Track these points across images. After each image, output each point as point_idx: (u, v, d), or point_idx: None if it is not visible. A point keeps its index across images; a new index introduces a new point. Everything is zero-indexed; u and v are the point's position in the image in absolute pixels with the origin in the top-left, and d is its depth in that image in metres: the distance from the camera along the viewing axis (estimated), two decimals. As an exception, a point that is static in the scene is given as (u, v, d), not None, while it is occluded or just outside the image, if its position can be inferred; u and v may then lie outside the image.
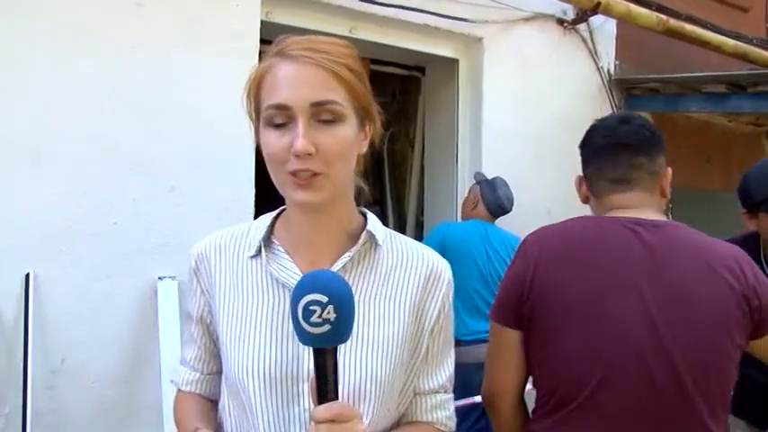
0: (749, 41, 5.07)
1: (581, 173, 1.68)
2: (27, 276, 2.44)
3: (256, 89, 1.03)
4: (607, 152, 1.58)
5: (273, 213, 1.14)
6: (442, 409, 1.13)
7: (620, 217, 1.51)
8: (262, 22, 3.01)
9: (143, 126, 2.69)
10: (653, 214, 1.52)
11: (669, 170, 1.57)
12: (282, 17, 3.20)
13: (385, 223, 1.18)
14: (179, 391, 1.22)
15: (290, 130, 0.97)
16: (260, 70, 1.03)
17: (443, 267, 1.12)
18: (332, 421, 0.85)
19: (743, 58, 4.85)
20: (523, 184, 3.71)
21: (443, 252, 2.13)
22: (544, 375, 1.51)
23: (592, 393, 1.42)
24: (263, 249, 1.09)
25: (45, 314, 2.49)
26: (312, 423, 0.86)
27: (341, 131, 0.99)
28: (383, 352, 1.02)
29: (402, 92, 4.77)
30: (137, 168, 2.67)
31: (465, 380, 2.18)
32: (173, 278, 2.72)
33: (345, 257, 1.05)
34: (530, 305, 1.49)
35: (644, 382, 1.37)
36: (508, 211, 3.47)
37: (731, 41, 4.76)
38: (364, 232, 1.07)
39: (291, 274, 1.05)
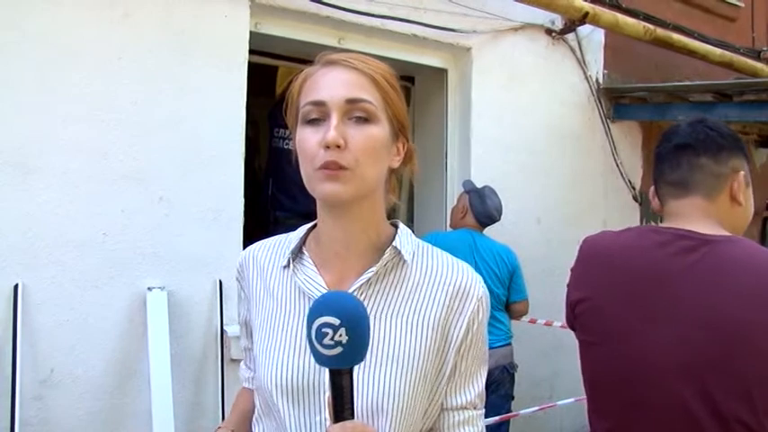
0: (736, 50, 5.14)
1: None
2: (16, 287, 2.44)
3: (298, 94, 1.07)
4: (669, 155, 1.50)
5: (310, 224, 1.16)
6: (469, 425, 1.10)
7: (667, 229, 1.43)
8: (251, 33, 3.03)
9: (131, 136, 2.70)
10: (708, 226, 1.40)
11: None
12: (271, 28, 3.22)
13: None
14: (242, 386, 1.30)
15: (323, 127, 1.01)
16: (302, 76, 1.07)
17: (473, 284, 1.09)
18: None
19: (729, 66, 4.90)
20: (512, 193, 3.72)
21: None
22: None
23: (620, 416, 1.43)
24: (291, 260, 1.12)
25: (34, 325, 2.49)
26: None
27: (371, 130, 1.02)
28: (403, 369, 1.02)
29: (391, 101, 4.77)
30: (125, 178, 2.68)
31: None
32: (162, 288, 2.72)
33: (367, 275, 1.06)
34: (572, 314, 1.54)
35: (674, 409, 1.32)
36: (497, 221, 3.47)
37: (718, 51, 4.82)
38: (390, 248, 1.07)
39: (317, 286, 1.07)
